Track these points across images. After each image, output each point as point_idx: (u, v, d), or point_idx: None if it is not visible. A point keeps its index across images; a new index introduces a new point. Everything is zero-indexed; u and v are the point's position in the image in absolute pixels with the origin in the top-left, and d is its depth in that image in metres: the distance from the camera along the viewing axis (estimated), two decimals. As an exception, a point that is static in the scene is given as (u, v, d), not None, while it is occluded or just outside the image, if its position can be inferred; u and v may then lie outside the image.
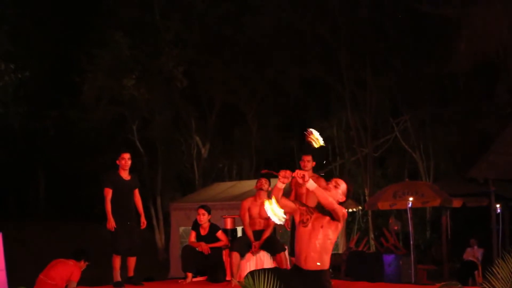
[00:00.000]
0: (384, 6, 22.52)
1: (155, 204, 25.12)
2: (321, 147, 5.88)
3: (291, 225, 9.29)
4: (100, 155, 24.28)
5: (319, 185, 8.90)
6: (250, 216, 9.20)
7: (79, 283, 9.01)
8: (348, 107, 23.35)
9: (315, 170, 9.22)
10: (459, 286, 7.68)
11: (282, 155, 26.10)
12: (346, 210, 5.98)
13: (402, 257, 14.46)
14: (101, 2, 25.07)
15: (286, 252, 9.20)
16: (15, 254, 14.61)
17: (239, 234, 10.14)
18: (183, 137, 25.90)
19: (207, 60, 24.14)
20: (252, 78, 24.70)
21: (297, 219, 5.97)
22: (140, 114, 24.44)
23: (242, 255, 9.10)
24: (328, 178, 6.36)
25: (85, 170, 26.55)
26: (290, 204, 5.99)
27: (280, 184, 5.74)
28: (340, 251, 16.49)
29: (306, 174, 5.62)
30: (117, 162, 8.98)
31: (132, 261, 8.97)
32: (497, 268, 5.91)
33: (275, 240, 9.34)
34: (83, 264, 9.20)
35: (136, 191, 9.09)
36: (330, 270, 6.17)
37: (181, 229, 18.37)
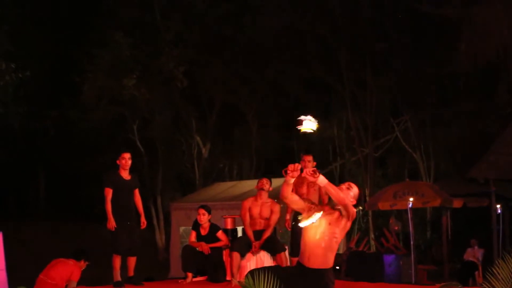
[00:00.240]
0: (384, 6, 22.53)
1: (155, 204, 25.12)
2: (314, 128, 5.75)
3: (292, 225, 9.29)
4: (100, 155, 24.28)
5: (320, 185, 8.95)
6: (251, 216, 9.20)
7: (79, 283, 9.00)
8: (349, 107, 23.35)
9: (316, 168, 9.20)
10: (460, 286, 7.69)
11: (282, 155, 26.08)
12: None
13: (403, 257, 14.45)
14: (101, 2, 25.07)
15: (287, 252, 9.19)
16: (15, 254, 14.60)
17: (240, 234, 10.13)
18: (183, 137, 25.90)
19: (207, 60, 24.14)
20: (252, 78, 24.70)
21: (305, 216, 5.93)
22: (141, 114, 24.44)
23: (243, 255, 9.09)
24: (328, 178, 6.33)
25: (85, 170, 26.54)
26: (299, 201, 5.96)
27: (289, 179, 5.70)
28: (341, 251, 16.47)
29: (316, 169, 5.57)
30: (117, 162, 8.98)
31: (132, 261, 8.97)
32: (497, 268, 5.91)
33: (276, 240, 9.33)
34: (83, 264, 9.19)
35: (136, 191, 9.08)
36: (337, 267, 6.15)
37: (182, 229, 18.36)
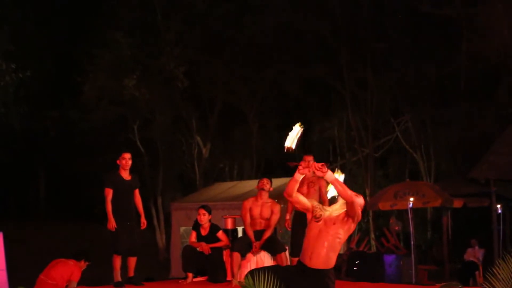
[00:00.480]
0: (385, 6, 22.53)
1: (156, 204, 25.13)
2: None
3: (292, 225, 9.29)
4: (100, 155, 24.32)
5: (321, 186, 8.97)
6: (251, 216, 9.19)
7: (79, 283, 9.00)
8: (349, 107, 23.35)
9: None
10: (460, 286, 7.68)
11: (282, 155, 26.03)
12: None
13: (403, 258, 14.44)
14: (101, 2, 25.07)
15: (287, 252, 9.18)
16: (16, 254, 14.60)
17: (240, 234, 10.13)
18: (184, 137, 25.90)
19: (207, 60, 24.14)
20: (253, 78, 24.70)
21: (309, 215, 5.91)
22: (141, 114, 24.44)
23: (243, 255, 9.09)
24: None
25: (86, 170, 26.57)
26: (304, 200, 5.95)
27: (298, 175, 5.69)
28: (341, 251, 16.46)
29: (324, 164, 5.56)
30: (118, 162, 8.97)
31: (132, 261, 8.96)
32: (497, 268, 5.91)
33: (276, 240, 9.32)
34: (83, 264, 9.19)
35: (137, 192, 9.07)
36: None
37: (182, 229, 18.35)
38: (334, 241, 5.75)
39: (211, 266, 9.32)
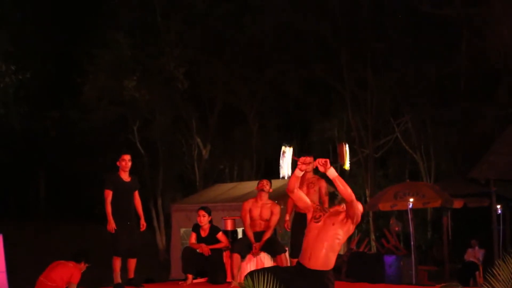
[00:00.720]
0: (385, 6, 22.52)
1: (156, 205, 25.12)
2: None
3: (292, 227, 9.28)
4: (100, 155, 24.31)
5: (320, 186, 8.97)
6: (251, 218, 9.18)
7: (79, 285, 8.98)
8: (349, 108, 23.34)
9: (316, 171, 9.20)
10: (460, 287, 7.68)
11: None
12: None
13: (403, 258, 14.44)
14: (102, 2, 25.07)
15: (287, 254, 9.17)
16: (15, 255, 14.60)
17: (240, 235, 10.12)
18: (184, 138, 25.88)
19: (207, 60, 24.12)
20: (253, 78, 24.69)
21: (309, 216, 5.91)
22: (141, 114, 24.43)
23: (243, 257, 9.09)
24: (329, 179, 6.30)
25: (86, 170, 26.57)
26: (305, 199, 5.94)
27: (298, 171, 5.68)
28: (341, 252, 16.46)
29: (328, 160, 5.55)
30: (117, 163, 8.97)
31: (132, 262, 8.95)
32: (497, 269, 5.90)
33: (276, 241, 9.32)
34: (83, 266, 9.17)
35: (136, 193, 9.06)
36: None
37: (182, 230, 18.33)
38: (333, 242, 5.74)
39: (211, 267, 9.32)
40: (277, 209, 9.18)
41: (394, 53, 22.69)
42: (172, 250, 18.92)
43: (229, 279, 9.18)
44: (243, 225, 9.24)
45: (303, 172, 5.74)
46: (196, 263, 9.33)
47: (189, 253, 9.37)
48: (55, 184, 31.06)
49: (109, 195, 8.79)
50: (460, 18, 21.47)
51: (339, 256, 14.83)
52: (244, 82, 24.81)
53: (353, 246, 15.98)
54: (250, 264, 9.04)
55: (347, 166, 5.71)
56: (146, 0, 24.23)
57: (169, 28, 23.91)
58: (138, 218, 9.01)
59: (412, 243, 14.09)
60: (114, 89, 23.31)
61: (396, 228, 17.74)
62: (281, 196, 11.96)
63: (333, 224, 5.76)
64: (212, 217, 9.58)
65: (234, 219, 10.21)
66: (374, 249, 19.38)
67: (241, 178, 25.55)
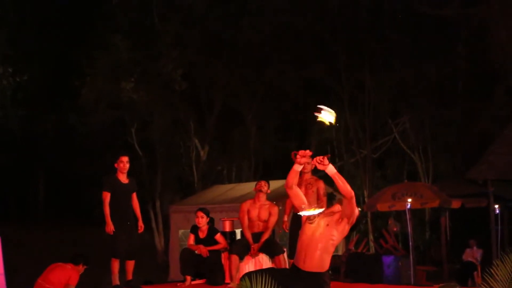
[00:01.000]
0: (383, 7, 22.53)
1: (154, 207, 25.10)
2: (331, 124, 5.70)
3: (290, 227, 9.29)
4: (99, 157, 24.29)
5: (319, 187, 8.98)
6: (249, 219, 9.18)
7: (77, 287, 9.00)
8: (347, 109, 23.35)
9: (314, 172, 9.20)
10: (458, 287, 7.69)
11: (281, 157, 26.07)
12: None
13: (401, 258, 14.46)
14: (99, 5, 25.06)
15: (285, 255, 9.18)
16: (14, 256, 14.60)
17: (238, 236, 10.13)
18: (182, 140, 25.87)
19: (206, 62, 24.10)
20: (251, 79, 24.67)
21: (303, 217, 5.90)
22: (139, 116, 24.42)
23: (241, 258, 9.09)
24: (327, 180, 6.31)
25: (85, 173, 26.56)
26: (303, 197, 5.92)
27: (297, 166, 5.66)
28: (340, 253, 16.49)
29: (325, 158, 5.54)
30: (116, 165, 8.97)
31: (130, 264, 8.96)
32: (495, 269, 5.91)
33: (274, 242, 9.32)
34: (81, 268, 9.19)
35: (134, 195, 9.07)
36: (330, 271, 6.12)
37: (181, 231, 18.34)
38: (327, 243, 5.73)
39: (209, 268, 9.33)
40: (275, 210, 9.18)
41: (393, 53, 22.69)
42: (170, 251, 18.94)
43: (227, 280, 9.19)
44: (241, 226, 9.25)
45: (301, 167, 5.72)
46: (194, 265, 9.34)
47: (187, 255, 9.38)
48: (54, 186, 31.07)
49: (107, 197, 8.79)
50: (458, 18, 21.48)
51: (337, 257, 14.88)
52: (242, 84, 24.80)
53: (352, 247, 16.00)
54: (249, 265, 9.04)
55: (332, 121, 5.66)
56: (144, 2, 24.20)
57: (167, 30, 23.88)
58: (136, 220, 9.02)
59: (410, 243, 14.11)
60: (112, 91, 23.28)
61: (394, 229, 17.76)
62: (279, 197, 11.97)
63: (327, 225, 5.74)
64: (210, 218, 9.60)
65: (232, 220, 10.21)
66: (372, 250, 19.40)
67: (239, 179, 25.54)
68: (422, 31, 22.07)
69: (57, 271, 8.92)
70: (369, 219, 22.22)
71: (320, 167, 5.53)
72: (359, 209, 5.95)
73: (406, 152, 23.81)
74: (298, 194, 5.89)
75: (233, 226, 10.15)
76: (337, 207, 5.85)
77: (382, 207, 16.08)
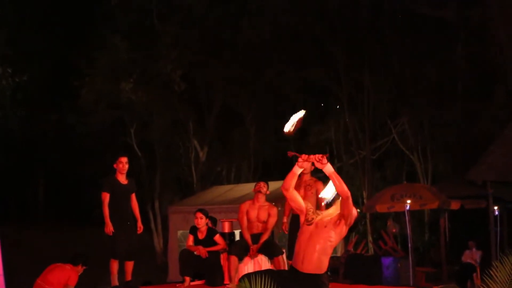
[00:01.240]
0: (383, 7, 22.54)
1: (153, 208, 25.10)
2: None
3: (289, 229, 9.28)
4: (98, 158, 24.28)
5: (318, 189, 8.98)
6: (248, 220, 9.18)
7: (76, 287, 8.99)
8: (346, 109, 23.35)
9: (313, 173, 9.21)
10: (457, 288, 7.69)
11: (280, 158, 26.08)
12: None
13: (401, 260, 14.45)
14: (99, 5, 25.05)
15: (284, 256, 9.18)
16: (13, 257, 14.60)
17: (237, 237, 10.13)
18: (181, 140, 25.87)
19: (205, 62, 24.09)
20: (250, 80, 24.67)
21: (302, 218, 5.90)
22: (138, 117, 24.42)
23: (240, 259, 9.09)
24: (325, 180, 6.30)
25: (84, 173, 26.56)
26: (299, 199, 5.91)
27: (296, 168, 5.65)
28: (338, 254, 16.48)
29: (324, 156, 5.54)
30: (115, 166, 8.98)
31: (129, 265, 8.96)
32: (495, 270, 5.91)
33: (273, 243, 9.32)
34: (80, 269, 9.19)
35: (133, 196, 9.08)
36: (329, 273, 6.11)
37: (179, 232, 18.33)
38: (325, 245, 5.71)
39: (208, 269, 9.33)
40: (274, 211, 9.18)
41: (392, 54, 22.70)
42: (169, 252, 18.92)
43: (226, 281, 9.19)
44: (241, 227, 9.25)
45: (301, 170, 5.72)
46: (193, 266, 9.34)
47: (186, 256, 9.38)
48: (54, 187, 31.08)
49: (106, 197, 8.80)
50: (457, 19, 21.50)
51: (336, 258, 14.87)
52: (241, 84, 24.80)
53: (351, 248, 15.98)
54: (248, 266, 9.04)
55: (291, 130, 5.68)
56: (143, 3, 24.19)
57: (166, 31, 23.88)
58: (136, 221, 9.02)
59: (409, 244, 14.10)
60: (111, 92, 23.28)
61: (394, 230, 17.77)
62: (279, 198, 11.96)
63: (325, 227, 5.73)
64: (209, 219, 9.60)
65: (231, 221, 10.22)
66: (371, 251, 19.39)
67: (239, 180, 25.55)
68: (421, 32, 22.08)
69: (56, 272, 8.92)
70: (368, 220, 22.22)
71: (318, 165, 5.53)
72: (358, 210, 5.94)
73: (405, 153, 23.81)
74: (295, 197, 5.88)
75: (232, 227, 10.16)
76: (335, 209, 5.85)
77: (381, 208, 16.07)
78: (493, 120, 20.43)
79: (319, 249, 5.69)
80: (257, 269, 8.82)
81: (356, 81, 23.30)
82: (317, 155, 5.52)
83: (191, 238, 9.45)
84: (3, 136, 25.43)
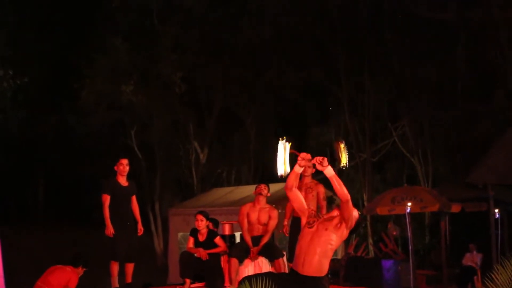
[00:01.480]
0: (383, 10, 22.53)
1: (153, 210, 25.10)
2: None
3: (290, 231, 9.27)
4: (98, 160, 24.29)
5: (319, 191, 8.97)
6: (249, 222, 9.17)
7: (76, 289, 8.99)
8: (346, 112, 23.34)
9: (314, 176, 9.19)
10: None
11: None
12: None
13: (401, 262, 14.43)
14: (100, 7, 25.07)
15: (285, 258, 9.16)
16: (13, 258, 14.59)
17: (238, 240, 10.11)
18: (181, 142, 25.87)
19: (205, 64, 24.09)
20: (251, 82, 24.67)
21: (303, 220, 5.89)
22: (139, 119, 24.42)
23: (241, 261, 9.07)
24: (327, 184, 6.29)
25: (84, 175, 26.58)
26: (302, 200, 5.90)
27: (298, 168, 5.64)
28: (339, 257, 16.47)
29: (325, 159, 5.53)
30: (115, 168, 8.98)
31: (130, 267, 8.95)
32: (495, 273, 5.90)
33: (274, 245, 9.31)
34: (81, 271, 9.17)
35: (134, 198, 9.07)
36: (329, 275, 6.10)
37: (180, 234, 18.33)
38: (326, 247, 5.71)
39: (208, 272, 9.30)
40: (275, 214, 9.17)
41: (392, 56, 22.69)
42: (169, 254, 18.92)
43: (227, 283, 9.16)
44: (241, 229, 9.23)
45: (302, 169, 5.71)
46: (194, 268, 9.32)
47: (187, 258, 9.36)
48: (54, 188, 31.10)
49: (107, 199, 8.80)
50: (457, 21, 21.49)
51: (337, 261, 14.86)
52: (242, 86, 24.80)
53: (351, 251, 15.97)
54: (248, 269, 9.03)
55: (344, 163, 5.68)
56: (144, 4, 24.19)
57: (166, 32, 23.88)
58: (136, 223, 9.02)
59: (410, 247, 14.06)
60: (111, 94, 23.30)
61: (394, 233, 17.74)
62: (279, 201, 11.97)
63: (326, 229, 5.73)
64: (210, 221, 9.58)
65: (232, 224, 10.20)
66: (372, 254, 19.37)
67: (239, 182, 25.54)
68: (421, 34, 22.06)
69: (57, 273, 8.91)
70: (368, 223, 22.20)
71: (319, 167, 5.53)
72: (359, 212, 5.93)
73: (405, 156, 23.80)
74: (298, 197, 5.88)
75: (232, 229, 10.14)
76: (336, 212, 5.84)
77: (381, 211, 16.04)
78: (493, 123, 20.42)
79: (320, 252, 5.69)
80: (257, 271, 8.80)
81: (356, 82, 23.28)
82: (318, 158, 5.52)
83: (191, 240, 9.43)
84: (4, 137, 25.45)
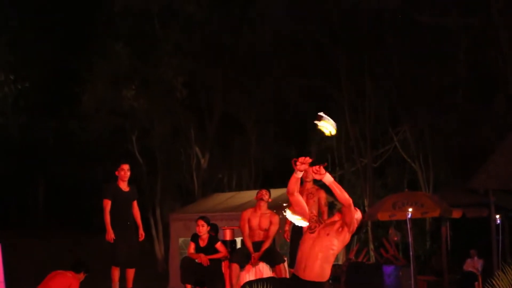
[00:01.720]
0: (384, 15, 22.55)
1: (154, 215, 25.09)
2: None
3: (291, 237, 9.27)
4: (99, 165, 24.30)
5: (320, 197, 8.97)
6: (250, 227, 9.17)
7: (77, 295, 8.98)
8: (347, 117, 23.34)
9: (316, 181, 9.19)
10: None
11: (281, 166, 26.05)
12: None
13: (402, 268, 14.40)
14: (101, 12, 25.10)
15: (286, 264, 9.16)
16: (14, 263, 14.59)
17: (239, 245, 10.11)
18: (182, 147, 25.87)
19: (206, 69, 24.11)
20: (251, 86, 24.68)
21: (304, 227, 5.89)
22: (140, 124, 24.43)
23: (242, 267, 9.07)
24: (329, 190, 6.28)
25: (85, 180, 26.57)
26: (304, 204, 5.88)
27: (297, 173, 5.63)
28: (340, 262, 16.45)
29: (321, 167, 5.51)
30: (116, 173, 8.98)
31: (131, 272, 8.95)
32: (496, 279, 5.89)
33: (275, 251, 9.31)
34: (82, 276, 9.17)
35: (135, 203, 9.08)
36: (330, 281, 6.10)
37: (181, 240, 18.29)
38: (328, 252, 5.70)
39: (209, 277, 9.30)
40: (276, 219, 9.17)
41: (393, 61, 22.70)
42: (170, 259, 18.88)
43: (227, 289, 9.17)
44: (242, 235, 9.23)
45: (302, 173, 5.70)
46: (194, 273, 9.32)
47: (187, 263, 9.36)
48: (54, 193, 31.07)
49: (107, 204, 8.80)
50: (458, 27, 21.50)
51: (338, 266, 14.83)
52: (242, 91, 24.81)
53: (352, 256, 15.94)
54: (249, 274, 9.03)
55: (329, 133, 5.64)
56: (145, 9, 24.21)
57: (167, 37, 23.90)
58: (137, 228, 9.02)
59: (411, 253, 14.05)
60: (112, 99, 23.31)
61: (395, 238, 17.72)
62: (280, 206, 11.94)
63: (328, 235, 5.72)
64: (211, 226, 9.57)
65: (233, 229, 10.19)
66: (373, 259, 19.34)
67: (240, 188, 25.52)
68: (422, 39, 22.07)
69: (58, 279, 8.90)
70: (369, 228, 22.18)
71: (316, 176, 5.53)
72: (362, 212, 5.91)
73: (406, 161, 23.79)
74: (299, 202, 5.87)
75: (233, 234, 10.13)
76: (337, 216, 5.83)
77: (382, 216, 16.01)
78: (494, 128, 20.42)
79: (322, 257, 5.68)
80: (258, 277, 8.80)
81: (357, 87, 23.28)
82: (314, 167, 5.50)
83: (192, 245, 9.44)
84: (5, 141, 25.46)
